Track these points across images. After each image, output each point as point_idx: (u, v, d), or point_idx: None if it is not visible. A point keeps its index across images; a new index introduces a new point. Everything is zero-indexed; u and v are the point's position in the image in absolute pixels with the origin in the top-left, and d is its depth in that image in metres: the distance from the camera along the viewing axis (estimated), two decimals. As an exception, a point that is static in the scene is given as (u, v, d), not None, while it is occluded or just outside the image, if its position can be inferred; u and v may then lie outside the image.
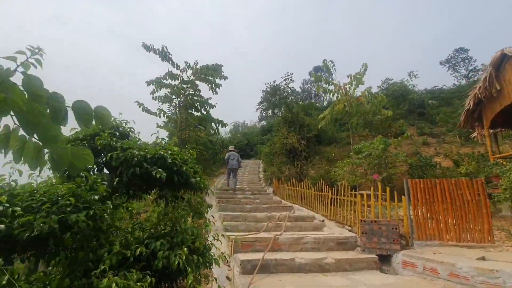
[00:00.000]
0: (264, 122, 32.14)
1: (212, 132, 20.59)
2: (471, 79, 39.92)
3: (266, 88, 17.36)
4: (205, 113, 9.35)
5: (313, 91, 38.92)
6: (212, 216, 7.34)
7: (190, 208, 6.41)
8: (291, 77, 16.54)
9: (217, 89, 8.99)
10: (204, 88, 9.35)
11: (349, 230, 5.75)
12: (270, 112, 18.94)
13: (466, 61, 41.38)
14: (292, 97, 22.40)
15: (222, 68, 8.82)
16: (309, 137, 14.44)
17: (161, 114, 8.64)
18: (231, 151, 11.18)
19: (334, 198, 6.94)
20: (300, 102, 30.44)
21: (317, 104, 35.66)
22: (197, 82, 8.96)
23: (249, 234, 5.04)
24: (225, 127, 11.52)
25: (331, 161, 14.56)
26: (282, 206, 8.38)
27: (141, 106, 8.24)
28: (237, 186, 11.88)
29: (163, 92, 8.75)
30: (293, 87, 17.26)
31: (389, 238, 4.60)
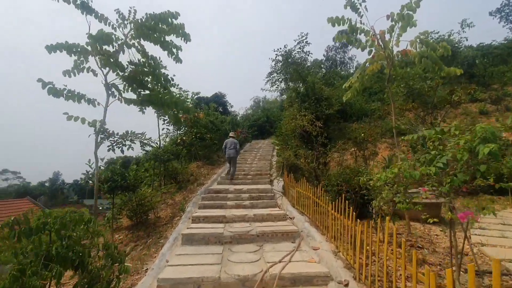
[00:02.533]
0: (284, 96, 28.28)
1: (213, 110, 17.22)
2: (528, 31, 31.90)
3: (276, 57, 13.32)
4: (161, 90, 5.79)
5: (338, 58, 33.57)
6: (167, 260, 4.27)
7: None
8: (305, 38, 12.35)
9: (178, 54, 5.37)
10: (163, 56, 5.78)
11: None
12: (283, 85, 14.94)
13: (524, 8, 32.87)
14: (313, 68, 18.17)
15: (179, 20, 5.09)
16: (330, 114, 10.47)
17: (80, 98, 5.20)
18: (230, 137, 10.11)
19: (367, 232, 3.51)
20: (322, 70, 25.67)
21: (342, 73, 30.62)
22: (144, 44, 5.37)
23: None
24: (188, 113, 8.32)
25: (359, 143, 10.71)
26: (283, 231, 5.07)
27: (47, 87, 4.97)
28: (239, 181, 9.88)
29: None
30: (309, 52, 13.06)
31: None
